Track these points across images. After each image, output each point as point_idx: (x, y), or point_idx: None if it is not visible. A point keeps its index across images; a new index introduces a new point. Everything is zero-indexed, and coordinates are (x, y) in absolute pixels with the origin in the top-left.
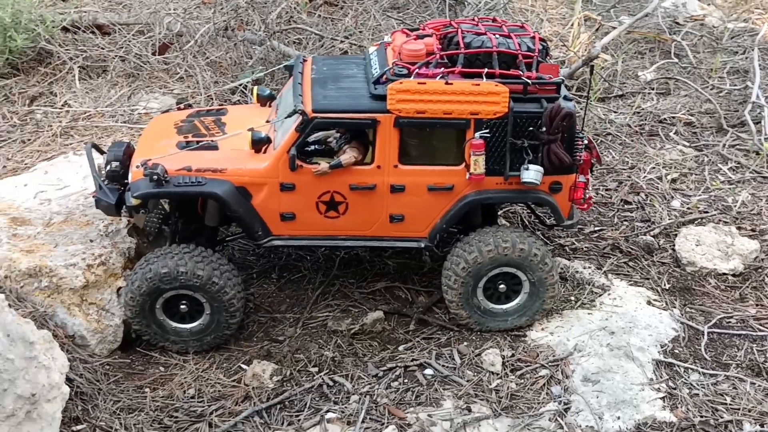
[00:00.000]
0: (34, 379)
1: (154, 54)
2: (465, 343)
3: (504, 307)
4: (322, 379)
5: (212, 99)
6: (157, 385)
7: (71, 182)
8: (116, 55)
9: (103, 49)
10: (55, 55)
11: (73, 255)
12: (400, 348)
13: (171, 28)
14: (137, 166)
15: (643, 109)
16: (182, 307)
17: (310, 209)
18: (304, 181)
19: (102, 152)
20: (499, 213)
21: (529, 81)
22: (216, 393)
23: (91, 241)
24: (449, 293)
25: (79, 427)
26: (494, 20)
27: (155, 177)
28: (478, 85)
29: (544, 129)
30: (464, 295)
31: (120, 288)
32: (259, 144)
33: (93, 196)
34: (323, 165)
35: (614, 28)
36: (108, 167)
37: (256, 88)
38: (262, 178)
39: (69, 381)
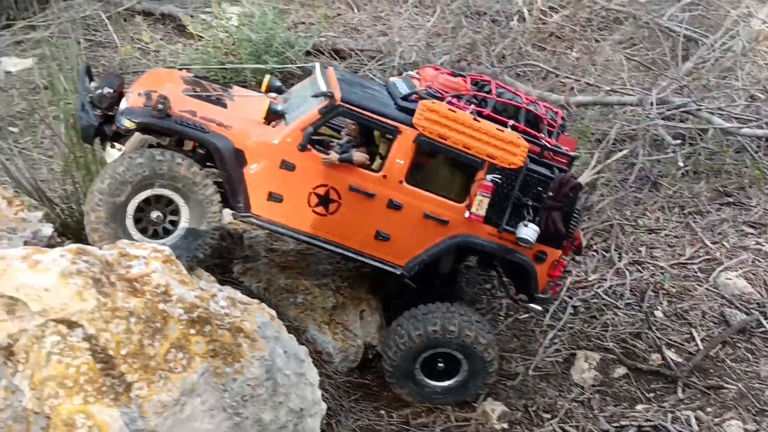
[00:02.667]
0: (302, 394)
1: None
2: (704, 410)
3: (443, 384)
4: (553, 426)
5: None
6: (392, 409)
7: None
8: None
9: None
10: (297, 77)
11: (324, 275)
12: (635, 406)
13: (405, 57)
14: (140, 93)
15: None
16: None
17: (301, 197)
18: (306, 165)
19: (92, 78)
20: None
21: (548, 145)
22: (446, 425)
23: (338, 262)
24: (387, 362)
25: None
26: (518, 90)
27: (161, 107)
28: (503, 131)
29: (551, 194)
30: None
31: (363, 311)
32: (274, 115)
33: (72, 117)
34: (333, 155)
35: None
36: (99, 91)
37: (267, 76)
38: (266, 149)
39: None
